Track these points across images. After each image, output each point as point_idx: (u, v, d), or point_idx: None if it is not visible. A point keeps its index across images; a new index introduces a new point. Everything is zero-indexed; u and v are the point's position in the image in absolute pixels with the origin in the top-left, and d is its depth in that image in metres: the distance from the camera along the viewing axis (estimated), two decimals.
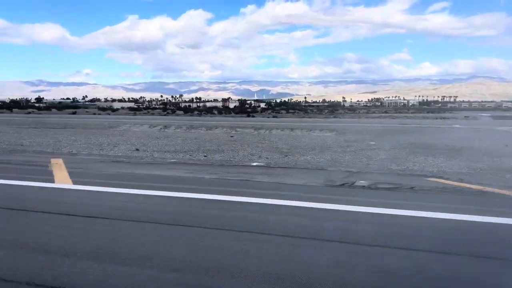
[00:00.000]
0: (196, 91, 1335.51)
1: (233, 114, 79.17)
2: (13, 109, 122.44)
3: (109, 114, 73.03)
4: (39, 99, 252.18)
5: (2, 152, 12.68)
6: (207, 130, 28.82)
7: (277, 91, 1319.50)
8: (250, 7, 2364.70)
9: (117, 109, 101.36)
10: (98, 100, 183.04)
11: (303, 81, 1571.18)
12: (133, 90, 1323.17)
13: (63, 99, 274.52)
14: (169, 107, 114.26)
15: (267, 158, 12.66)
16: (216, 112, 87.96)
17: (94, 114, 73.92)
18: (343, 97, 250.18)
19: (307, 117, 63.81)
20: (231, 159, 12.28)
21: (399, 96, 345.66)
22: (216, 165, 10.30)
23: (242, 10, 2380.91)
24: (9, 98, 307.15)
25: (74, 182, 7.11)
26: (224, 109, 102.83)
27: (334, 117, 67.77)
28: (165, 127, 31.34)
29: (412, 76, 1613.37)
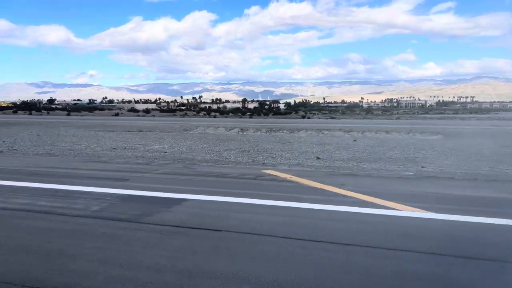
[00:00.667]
0: (200, 92, 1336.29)
1: (268, 115, 78.02)
2: (32, 111, 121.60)
3: (154, 116, 72.07)
4: (51, 101, 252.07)
5: (178, 161, 11.35)
6: (291, 132, 27.53)
7: (281, 92, 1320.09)
8: (254, 8, 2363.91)
9: (148, 111, 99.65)
10: (113, 102, 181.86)
11: (307, 82, 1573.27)
12: (137, 91, 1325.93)
13: (75, 100, 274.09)
14: (191, 109, 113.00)
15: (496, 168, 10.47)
16: (239, 113, 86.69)
17: (139, 116, 72.91)
18: (362, 98, 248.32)
19: (358, 119, 62.05)
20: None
21: (413, 97, 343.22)
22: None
23: (246, 11, 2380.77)
24: (19, 100, 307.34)
25: (426, 209, 5.68)
26: (248, 110, 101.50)
27: (385, 118, 66.24)
28: (242, 129, 30.03)
29: (416, 76, 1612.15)
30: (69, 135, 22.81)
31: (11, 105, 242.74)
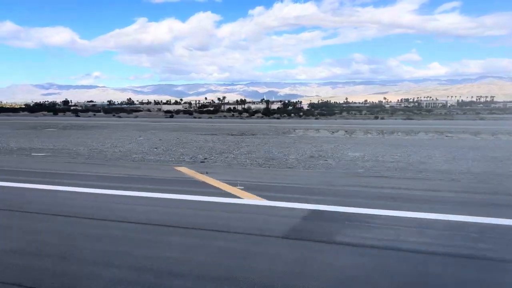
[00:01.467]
0: (204, 93, 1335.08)
1: (308, 116, 77.58)
2: (58, 113, 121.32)
3: (211, 118, 71.79)
4: (66, 102, 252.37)
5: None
6: (407, 135, 27.06)
7: (285, 93, 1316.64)
8: (258, 9, 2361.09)
9: (178, 111, 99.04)
10: (133, 103, 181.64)
11: (311, 82, 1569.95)
12: (142, 92, 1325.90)
13: (89, 101, 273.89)
14: (221, 110, 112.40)
15: None
16: (280, 114, 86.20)
17: (195, 118, 72.57)
18: (384, 97, 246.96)
19: (407, 119, 61.51)
20: None
21: (430, 97, 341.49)
22: None
23: (250, 11, 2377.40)
24: (33, 101, 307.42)
25: None
26: (278, 111, 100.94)
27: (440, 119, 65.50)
28: (347, 132, 29.63)
29: (420, 76, 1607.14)
30: (229, 141, 21.91)
31: (24, 106, 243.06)
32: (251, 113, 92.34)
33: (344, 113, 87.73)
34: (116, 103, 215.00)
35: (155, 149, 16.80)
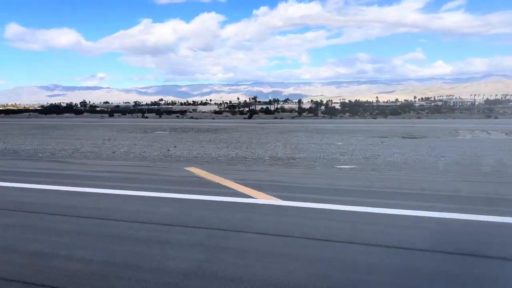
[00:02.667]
0: (208, 93, 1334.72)
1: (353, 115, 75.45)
2: (84, 113, 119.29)
3: (282, 118, 69.96)
4: (83, 103, 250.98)
5: None
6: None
7: (289, 92, 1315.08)
8: (263, 9, 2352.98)
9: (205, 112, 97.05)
10: (160, 104, 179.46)
11: (315, 82, 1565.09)
12: (146, 93, 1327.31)
13: (105, 102, 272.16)
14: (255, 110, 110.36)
15: None
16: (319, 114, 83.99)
17: (276, 118, 70.83)
18: (415, 96, 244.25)
19: (472, 118, 59.39)
20: None
21: (453, 96, 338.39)
22: None
23: (254, 12, 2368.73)
24: (47, 102, 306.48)
25: None
26: (309, 110, 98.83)
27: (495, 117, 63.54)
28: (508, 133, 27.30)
29: (425, 75, 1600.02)
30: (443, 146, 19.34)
31: (39, 108, 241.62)
32: (299, 112, 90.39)
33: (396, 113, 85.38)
34: (144, 104, 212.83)
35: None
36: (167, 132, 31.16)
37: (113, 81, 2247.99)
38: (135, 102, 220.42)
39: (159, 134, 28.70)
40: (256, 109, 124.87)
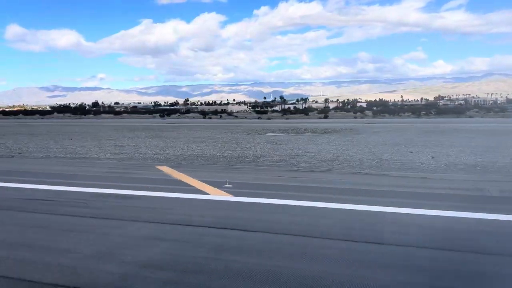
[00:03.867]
0: (209, 93, 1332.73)
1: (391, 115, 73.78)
2: (101, 114, 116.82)
3: (327, 117, 67.74)
4: (95, 104, 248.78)
5: None
6: None
7: (290, 92, 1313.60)
8: (263, 9, 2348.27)
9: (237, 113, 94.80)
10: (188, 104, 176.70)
11: (316, 82, 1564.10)
12: (146, 93, 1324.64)
13: (115, 103, 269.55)
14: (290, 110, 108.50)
15: None
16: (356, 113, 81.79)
17: (287, 118, 68.76)
18: (440, 95, 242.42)
19: None
20: None
21: (469, 94, 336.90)
22: None
23: (255, 11, 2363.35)
24: (57, 103, 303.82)
25: None
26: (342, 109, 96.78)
27: None
28: None
29: (426, 74, 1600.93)
30: None
31: (50, 109, 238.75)
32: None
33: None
34: (164, 104, 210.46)
35: None
36: (308, 134, 28.89)
37: (113, 81, 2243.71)
38: (154, 102, 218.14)
39: (301, 137, 26.41)
40: (283, 108, 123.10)
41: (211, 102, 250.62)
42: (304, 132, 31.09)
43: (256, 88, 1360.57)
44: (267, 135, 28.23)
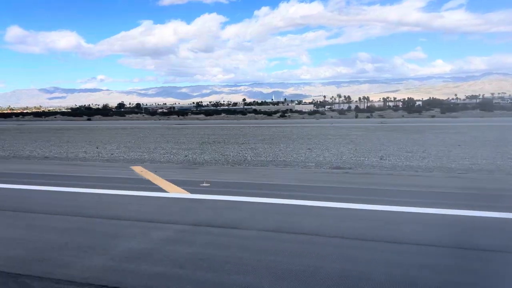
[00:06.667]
0: (208, 94, 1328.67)
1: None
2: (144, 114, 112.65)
3: (403, 117, 64.44)
4: (121, 105, 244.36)
5: None
6: None
7: (289, 93, 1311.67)
8: (264, 9, 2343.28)
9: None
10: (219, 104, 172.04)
11: (315, 82, 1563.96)
12: (146, 95, 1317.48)
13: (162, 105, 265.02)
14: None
15: None
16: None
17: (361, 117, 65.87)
18: (456, 95, 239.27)
19: None
20: None
21: (502, 92, 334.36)
22: None
23: (255, 12, 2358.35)
24: (85, 106, 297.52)
25: None
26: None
27: None
28: None
29: (424, 74, 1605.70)
30: None
31: (68, 110, 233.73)
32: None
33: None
34: (191, 105, 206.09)
35: None
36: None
37: (112, 83, 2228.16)
38: (197, 103, 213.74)
39: None
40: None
41: (263, 102, 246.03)
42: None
43: (256, 89, 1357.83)
44: None
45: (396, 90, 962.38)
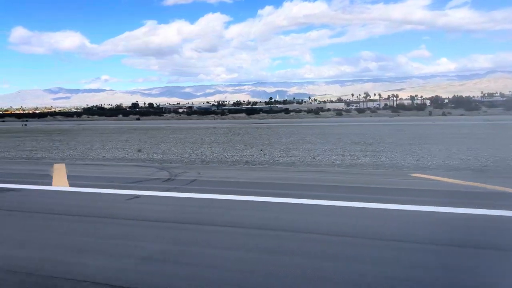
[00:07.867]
0: (212, 94, 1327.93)
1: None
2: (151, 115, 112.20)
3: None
4: (135, 105, 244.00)
5: None
6: None
7: (293, 92, 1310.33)
8: (268, 8, 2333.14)
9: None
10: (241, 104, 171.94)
11: (319, 81, 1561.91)
12: (150, 95, 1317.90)
13: (187, 104, 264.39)
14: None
15: None
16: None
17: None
18: (482, 92, 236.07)
19: None
20: None
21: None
22: None
23: (259, 11, 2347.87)
24: (83, 106, 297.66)
25: None
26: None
27: None
28: None
29: (428, 72, 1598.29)
30: None
31: (80, 110, 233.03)
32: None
33: None
34: (224, 105, 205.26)
35: None
36: None
37: (116, 83, 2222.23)
38: (218, 102, 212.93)
39: None
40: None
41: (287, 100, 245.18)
42: None
43: (259, 88, 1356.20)
44: None
45: (401, 89, 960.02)
